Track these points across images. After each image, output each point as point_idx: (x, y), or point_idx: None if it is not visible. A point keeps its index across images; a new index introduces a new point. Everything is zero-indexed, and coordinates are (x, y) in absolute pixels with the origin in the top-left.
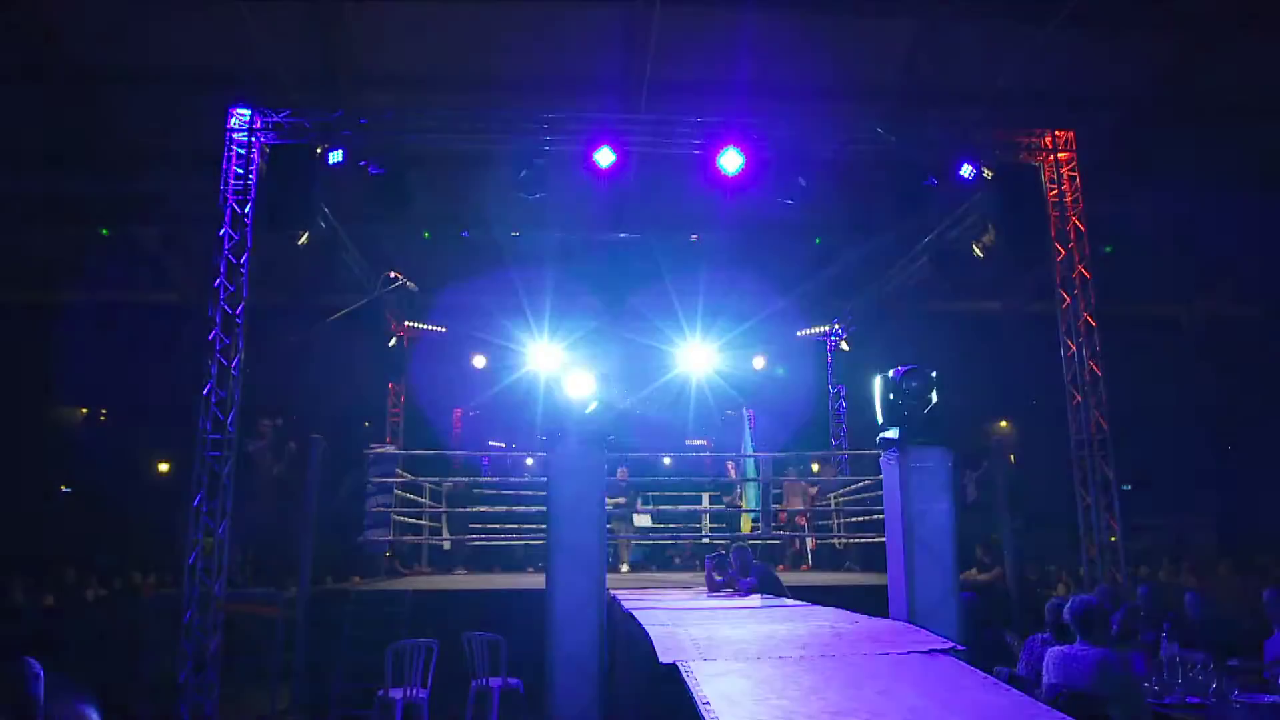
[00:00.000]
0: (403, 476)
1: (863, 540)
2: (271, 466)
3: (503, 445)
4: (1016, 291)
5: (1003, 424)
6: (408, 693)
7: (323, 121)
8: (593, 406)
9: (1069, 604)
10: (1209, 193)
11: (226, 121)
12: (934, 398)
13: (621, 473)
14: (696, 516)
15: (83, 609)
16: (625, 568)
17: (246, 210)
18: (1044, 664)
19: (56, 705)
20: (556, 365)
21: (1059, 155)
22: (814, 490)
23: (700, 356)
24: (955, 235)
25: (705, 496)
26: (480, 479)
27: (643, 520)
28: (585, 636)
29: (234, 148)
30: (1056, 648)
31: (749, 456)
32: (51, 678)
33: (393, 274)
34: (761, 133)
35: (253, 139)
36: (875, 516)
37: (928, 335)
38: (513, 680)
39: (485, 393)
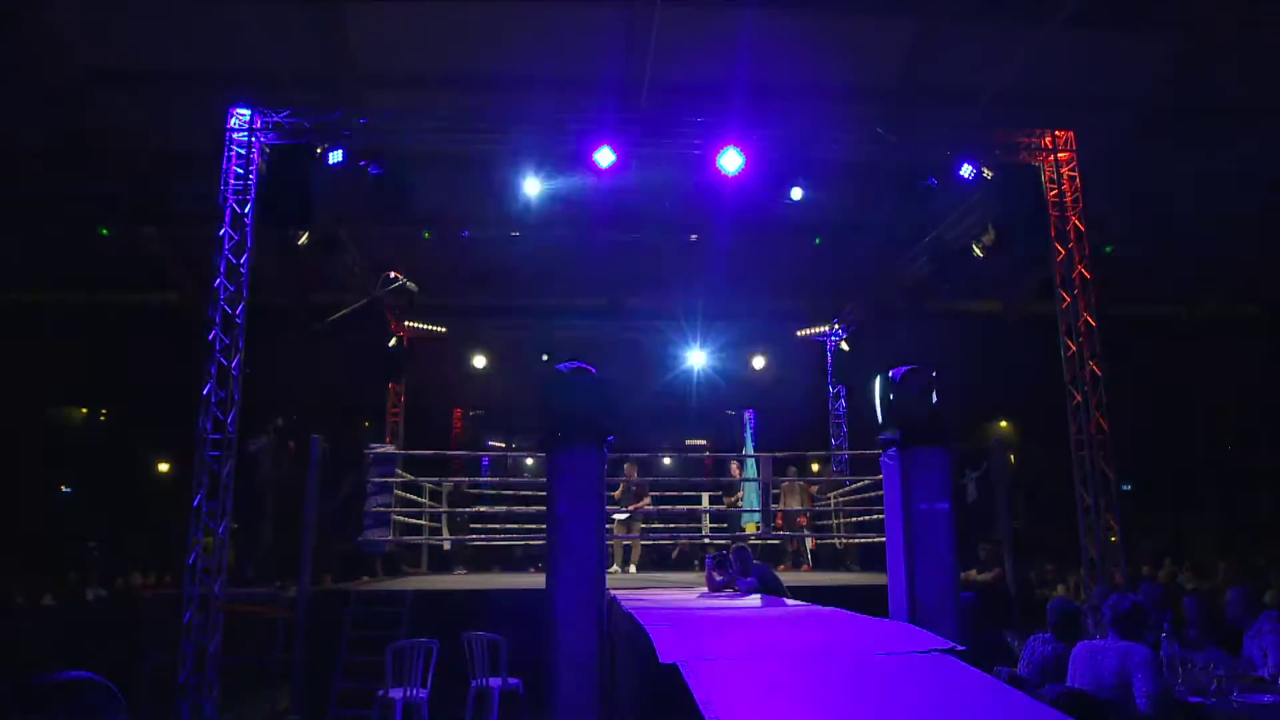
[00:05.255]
0: (403, 476)
1: (863, 540)
2: (273, 466)
3: (503, 445)
4: (1016, 291)
5: (1003, 424)
6: (408, 693)
7: (323, 121)
8: (592, 405)
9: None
10: (1209, 193)
11: (226, 121)
12: (934, 398)
13: (629, 469)
14: (697, 516)
15: (83, 609)
16: (632, 568)
17: (246, 210)
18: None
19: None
20: (556, 365)
21: (1059, 155)
22: (814, 489)
23: (700, 356)
24: (955, 235)
25: (705, 496)
26: (480, 479)
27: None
28: (585, 636)
29: (234, 148)
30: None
31: (749, 457)
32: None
33: (393, 274)
34: (761, 133)
35: (253, 139)
36: (875, 516)
37: (928, 335)
38: (513, 680)
39: (485, 393)
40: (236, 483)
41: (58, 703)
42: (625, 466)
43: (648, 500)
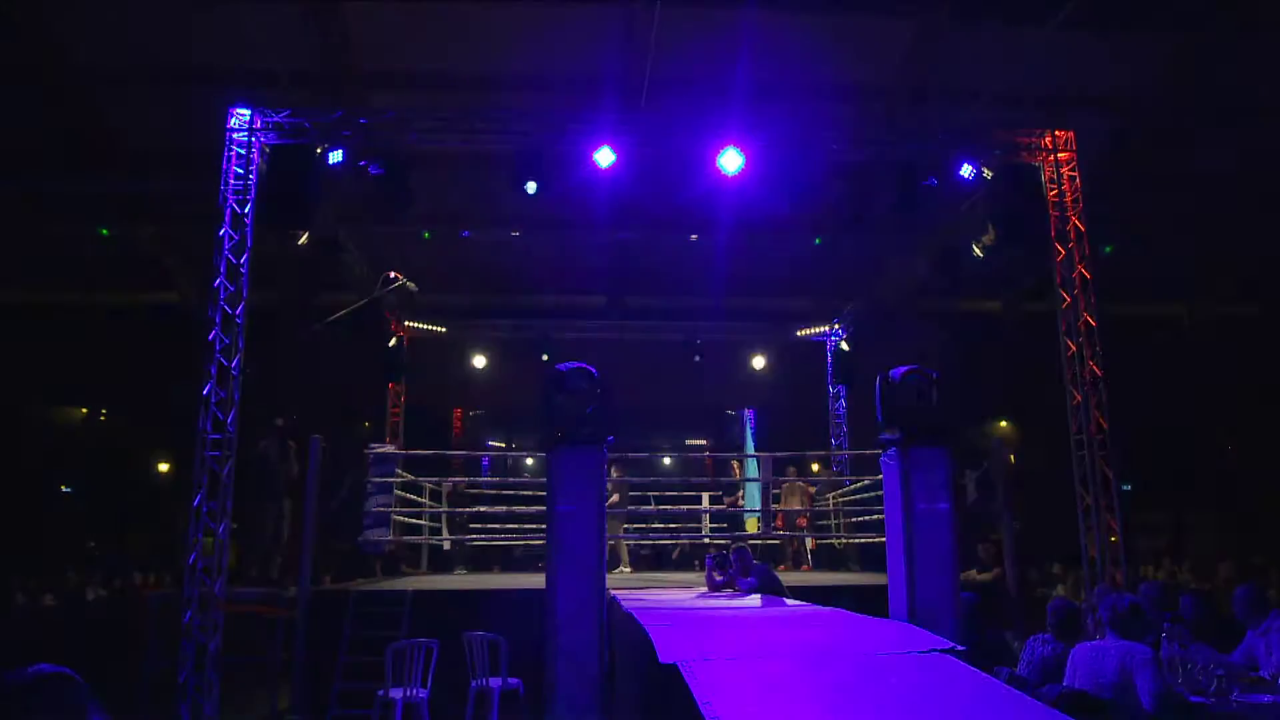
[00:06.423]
0: (403, 476)
1: (863, 540)
2: (281, 464)
3: (503, 445)
4: (1016, 291)
5: (1003, 424)
6: (408, 693)
7: (323, 121)
8: (592, 407)
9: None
10: (1209, 193)
11: (226, 121)
12: (934, 398)
13: (617, 471)
14: (697, 516)
15: (83, 609)
16: (627, 569)
17: (246, 210)
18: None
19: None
20: (556, 365)
21: (1059, 155)
22: (814, 490)
23: (700, 355)
24: (955, 235)
25: (705, 496)
26: (480, 479)
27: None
28: (585, 636)
29: (234, 148)
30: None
31: (749, 456)
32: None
33: (393, 274)
34: (761, 133)
35: (253, 139)
36: (875, 516)
37: (928, 335)
38: (513, 680)
39: (485, 393)
40: (237, 483)
41: (30, 696)
42: (612, 469)
43: (616, 498)
